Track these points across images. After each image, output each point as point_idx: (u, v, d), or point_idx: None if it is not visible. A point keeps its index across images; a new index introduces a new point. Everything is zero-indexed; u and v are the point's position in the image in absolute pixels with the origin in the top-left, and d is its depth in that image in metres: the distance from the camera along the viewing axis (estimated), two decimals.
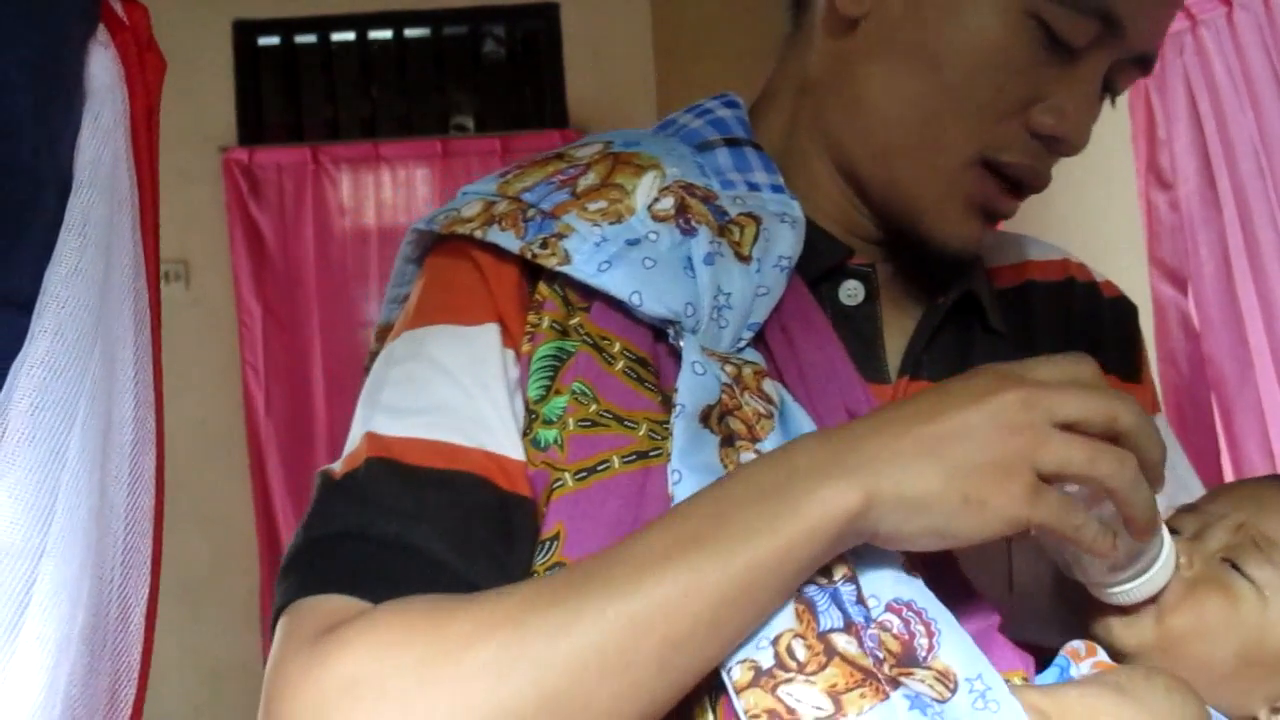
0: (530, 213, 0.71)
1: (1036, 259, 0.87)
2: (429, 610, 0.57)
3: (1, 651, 0.40)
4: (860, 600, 0.59)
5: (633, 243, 0.69)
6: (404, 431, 0.65)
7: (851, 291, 0.76)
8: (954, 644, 0.58)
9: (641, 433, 0.65)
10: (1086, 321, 0.84)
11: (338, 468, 0.66)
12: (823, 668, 0.56)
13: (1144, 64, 0.72)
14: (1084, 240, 2.92)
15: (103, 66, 0.62)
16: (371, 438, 0.66)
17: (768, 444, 0.64)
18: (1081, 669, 0.63)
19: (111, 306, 0.52)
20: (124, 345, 0.51)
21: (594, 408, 0.65)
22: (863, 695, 0.55)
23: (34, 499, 0.41)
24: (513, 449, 0.66)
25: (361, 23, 3.78)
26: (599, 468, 0.64)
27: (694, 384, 0.65)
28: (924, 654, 0.58)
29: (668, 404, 0.65)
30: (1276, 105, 1.94)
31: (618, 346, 0.68)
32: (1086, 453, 0.58)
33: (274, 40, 3.78)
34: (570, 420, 0.65)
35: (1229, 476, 2.21)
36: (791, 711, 0.55)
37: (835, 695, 0.55)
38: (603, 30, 3.75)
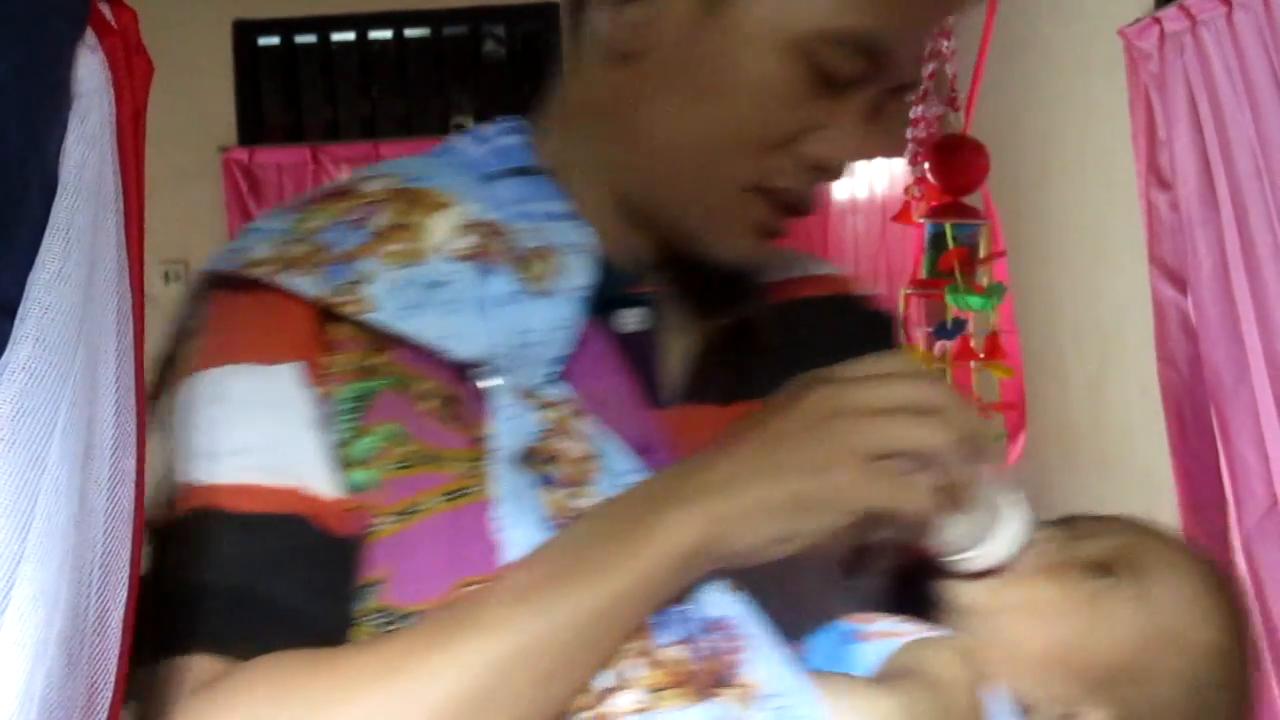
0: (327, 255, 0.71)
1: (809, 275, 0.91)
2: (305, 665, 0.60)
3: None
4: (685, 619, 0.63)
5: (434, 285, 0.71)
6: (226, 478, 0.66)
7: (634, 318, 0.78)
8: (764, 662, 0.62)
9: (456, 471, 0.67)
10: (852, 333, 0.87)
11: (157, 513, 0.66)
12: (650, 673, 0.61)
13: (910, 90, 0.75)
14: (1084, 240, 2.93)
15: (90, 70, 0.62)
16: (195, 488, 0.66)
17: (601, 485, 0.67)
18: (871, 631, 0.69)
19: (95, 311, 0.52)
20: (106, 350, 0.51)
21: (409, 448, 0.68)
22: (677, 695, 0.60)
23: (13, 505, 0.42)
24: (327, 488, 0.67)
25: (361, 23, 3.78)
26: (418, 509, 0.67)
27: (509, 427, 0.67)
28: (731, 672, 0.61)
29: (478, 443, 0.68)
30: (1275, 106, 1.94)
31: (427, 385, 0.70)
32: (901, 427, 0.62)
33: (274, 40, 3.79)
34: (388, 461, 0.67)
35: (1226, 478, 2.21)
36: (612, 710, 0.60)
37: (656, 690, 0.60)
38: None
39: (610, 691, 0.61)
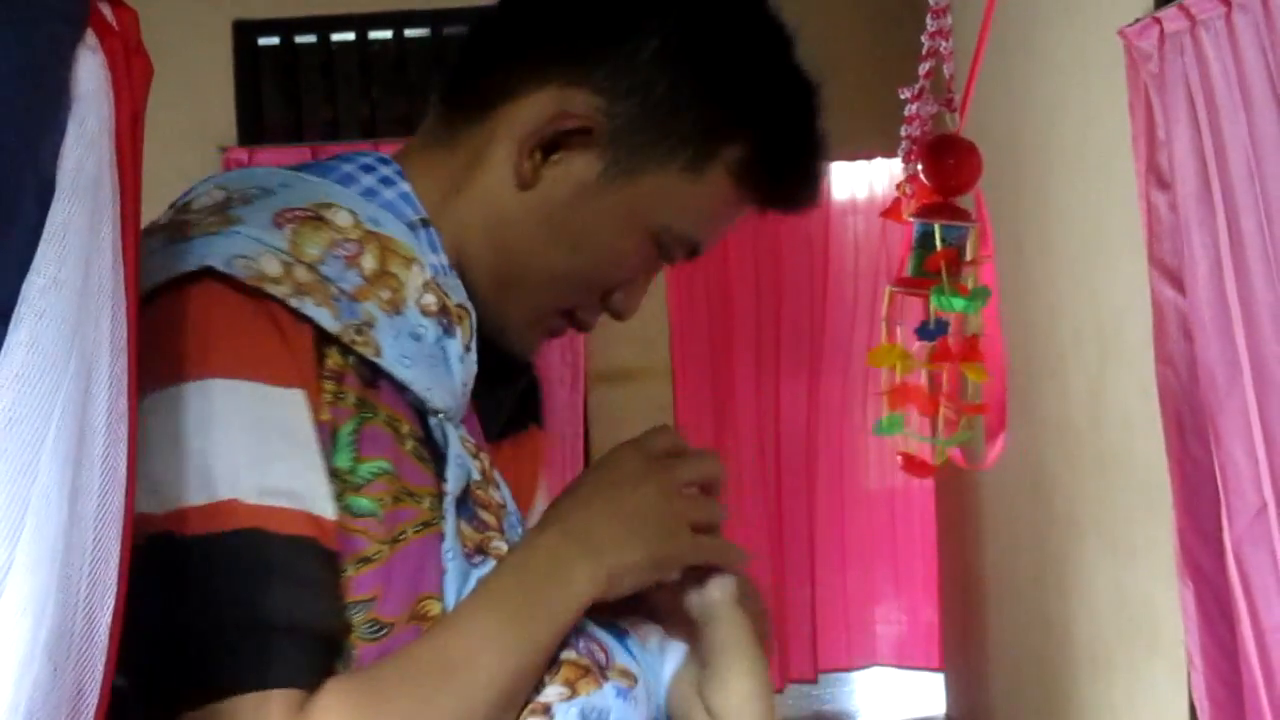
0: (334, 290, 0.77)
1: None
2: (372, 686, 0.74)
3: None
4: (575, 635, 0.85)
5: (416, 338, 0.81)
6: (252, 498, 0.71)
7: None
8: (620, 652, 0.87)
9: (425, 505, 0.80)
10: (535, 394, 1.11)
11: (189, 527, 0.70)
12: (559, 672, 0.82)
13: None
14: (1084, 241, 2.92)
15: (90, 72, 0.62)
16: (221, 504, 0.70)
17: (507, 533, 0.87)
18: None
19: (89, 317, 0.52)
20: (100, 356, 0.51)
21: (398, 486, 0.79)
22: (587, 683, 0.82)
23: (3, 513, 0.41)
24: (329, 510, 0.75)
25: (361, 23, 3.78)
26: (402, 537, 0.78)
27: (456, 472, 0.82)
28: (609, 662, 0.85)
29: (439, 482, 0.82)
30: (1273, 107, 1.94)
31: (405, 428, 0.81)
32: (709, 504, 0.93)
33: (274, 40, 3.79)
34: (386, 496, 0.78)
35: (1219, 480, 2.20)
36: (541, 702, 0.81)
37: (569, 684, 0.82)
38: None
39: (540, 688, 0.81)
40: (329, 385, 0.76)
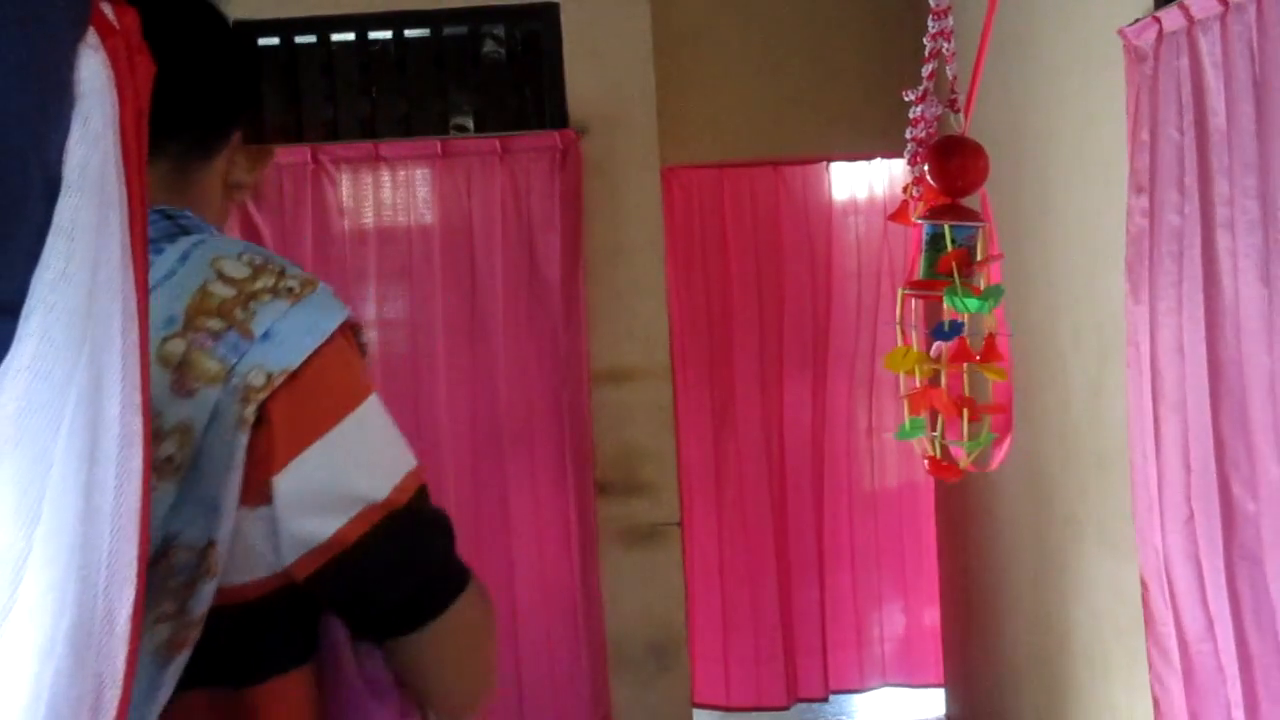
0: None
1: None
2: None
3: None
4: None
5: None
6: (412, 467, 1.03)
7: None
8: None
9: None
10: None
11: (413, 483, 1.03)
12: None
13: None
14: (1084, 241, 2.93)
15: (92, 70, 0.62)
16: (408, 476, 1.02)
17: None
18: None
19: (99, 310, 0.52)
20: (111, 349, 0.52)
21: None
22: None
23: (19, 503, 0.42)
24: None
25: (361, 23, 3.78)
26: None
27: None
28: None
29: None
30: (1269, 108, 1.94)
31: None
32: None
33: (274, 40, 3.79)
34: None
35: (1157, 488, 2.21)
36: None
37: None
38: (603, 30, 3.75)
39: None
40: None
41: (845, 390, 4.52)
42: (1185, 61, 2.17)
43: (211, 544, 0.91)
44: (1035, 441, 3.14)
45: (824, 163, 4.42)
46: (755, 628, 4.45)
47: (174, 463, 0.91)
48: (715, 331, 4.41)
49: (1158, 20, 2.27)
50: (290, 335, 0.94)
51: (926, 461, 2.21)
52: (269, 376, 0.92)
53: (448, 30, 3.83)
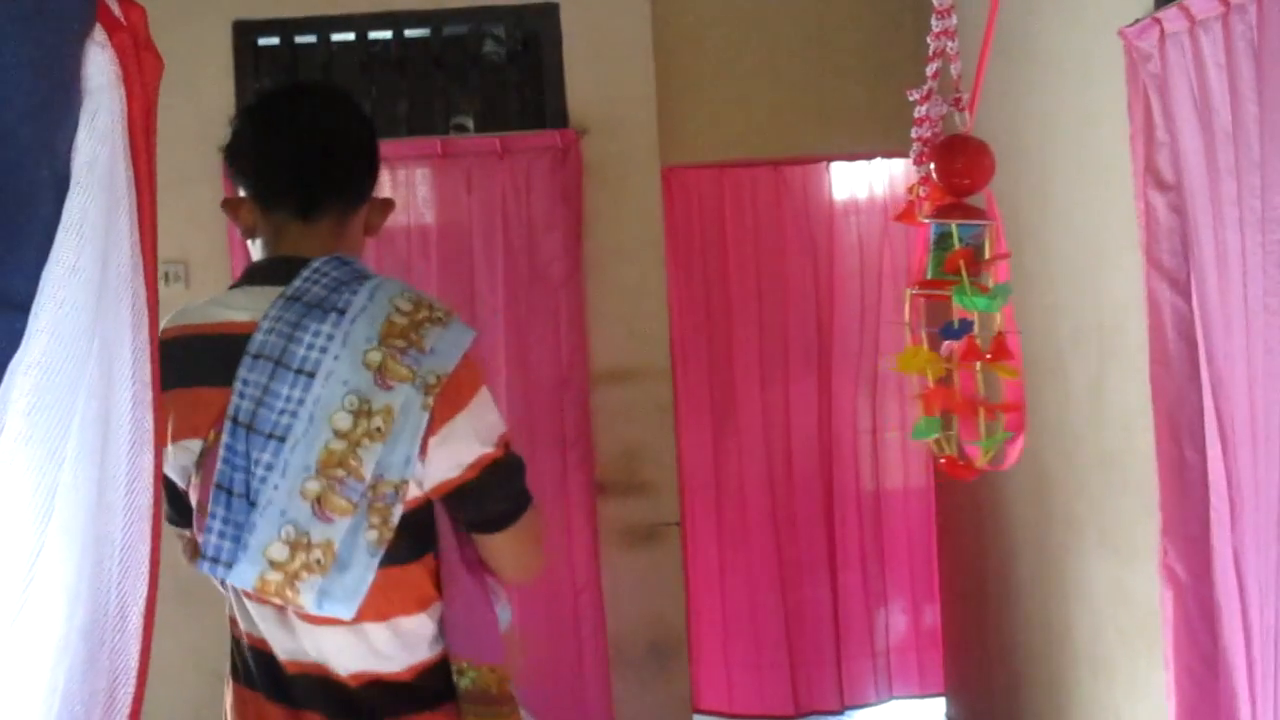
0: None
1: None
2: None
3: (0, 649, 0.40)
4: None
5: None
6: (506, 427, 1.62)
7: None
8: None
9: None
10: None
11: (503, 452, 1.61)
12: None
13: None
14: (1084, 240, 2.93)
15: (100, 67, 0.62)
16: (506, 431, 1.61)
17: None
18: None
19: (108, 306, 0.52)
20: (121, 345, 0.51)
21: None
22: None
23: (32, 498, 0.42)
24: None
25: (361, 23, 3.77)
26: None
27: None
28: None
29: None
30: (1270, 107, 1.94)
31: None
32: None
33: (274, 40, 3.78)
34: None
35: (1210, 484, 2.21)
36: None
37: None
38: (603, 30, 3.75)
39: None
40: None
41: (850, 390, 4.51)
42: (1193, 59, 2.17)
43: (405, 481, 1.48)
44: (1035, 441, 3.14)
45: (824, 163, 4.42)
46: (757, 631, 4.43)
47: (381, 432, 1.45)
48: (715, 331, 4.40)
49: (1158, 21, 2.27)
50: (447, 350, 1.51)
51: (943, 461, 2.20)
52: (438, 378, 1.48)
53: (448, 30, 3.83)
